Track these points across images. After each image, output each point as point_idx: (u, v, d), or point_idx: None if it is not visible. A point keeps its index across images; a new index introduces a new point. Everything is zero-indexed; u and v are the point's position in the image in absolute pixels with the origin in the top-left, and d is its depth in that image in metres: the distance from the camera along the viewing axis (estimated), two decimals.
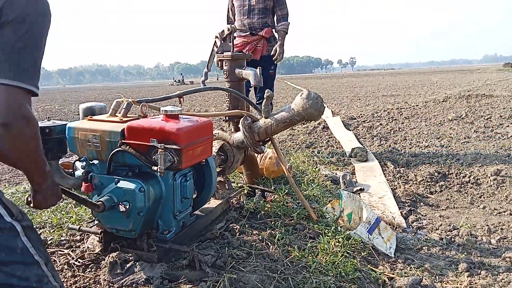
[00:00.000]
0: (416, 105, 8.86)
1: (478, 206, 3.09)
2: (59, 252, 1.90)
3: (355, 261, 1.97)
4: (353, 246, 2.12)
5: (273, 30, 3.96)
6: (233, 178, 3.08)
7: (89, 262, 1.76)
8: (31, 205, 1.31)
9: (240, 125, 2.33)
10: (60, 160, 1.80)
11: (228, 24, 3.75)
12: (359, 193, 3.20)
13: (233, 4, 4.06)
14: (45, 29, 1.12)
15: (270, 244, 2.01)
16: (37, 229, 2.13)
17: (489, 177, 3.57)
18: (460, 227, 2.64)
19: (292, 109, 2.20)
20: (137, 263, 1.68)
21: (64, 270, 1.75)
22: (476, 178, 3.60)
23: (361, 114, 7.78)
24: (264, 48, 3.91)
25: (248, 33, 3.94)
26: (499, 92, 11.02)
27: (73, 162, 1.70)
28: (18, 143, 1.07)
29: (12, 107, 1.03)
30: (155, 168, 1.54)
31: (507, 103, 8.59)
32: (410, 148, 4.83)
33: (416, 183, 3.58)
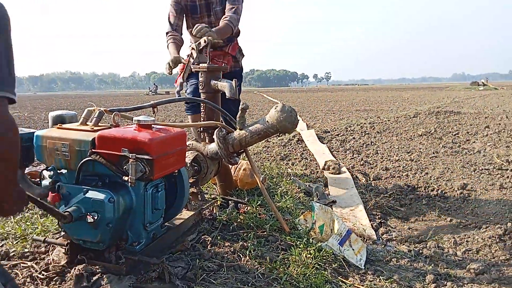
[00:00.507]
0: (388, 120, 9.10)
1: (445, 219, 3.18)
2: (21, 264, 1.83)
3: (326, 272, 1.99)
4: (325, 257, 2.14)
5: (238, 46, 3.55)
6: (206, 189, 3.06)
7: (54, 275, 1.70)
8: None
9: (214, 136, 2.33)
10: (27, 169, 1.75)
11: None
12: (331, 205, 3.24)
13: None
14: (10, 33, 1.10)
15: (242, 256, 2.00)
16: None
17: (456, 191, 3.69)
18: (428, 239, 2.71)
19: (267, 121, 2.22)
20: (104, 276, 1.64)
21: (26, 283, 1.68)
22: (443, 192, 3.72)
23: (335, 128, 7.92)
24: (229, 64, 3.42)
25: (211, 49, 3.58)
26: (466, 109, 11.49)
27: (40, 171, 1.66)
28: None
29: None
30: (126, 178, 1.52)
31: (473, 120, 8.96)
32: (381, 162, 4.94)
33: (386, 196, 3.66)
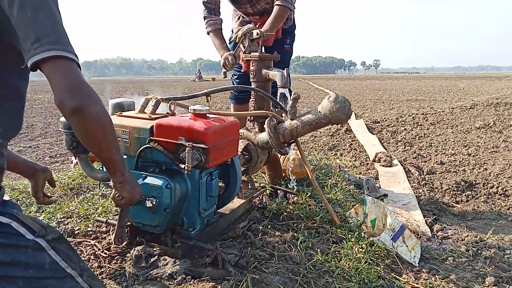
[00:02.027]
0: (442, 111, 8.66)
1: (506, 218, 2.99)
2: (85, 242, 1.94)
3: (379, 268, 1.94)
4: (377, 253, 2.08)
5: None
6: (255, 178, 3.08)
7: (115, 254, 1.79)
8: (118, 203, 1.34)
9: (265, 126, 2.32)
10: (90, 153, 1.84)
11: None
12: (382, 199, 3.14)
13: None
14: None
15: (292, 247, 1.99)
16: (65, 219, 2.19)
17: None
18: (487, 239, 2.57)
19: (319, 112, 2.17)
20: (161, 258, 1.70)
21: (90, 261, 1.78)
22: (504, 190, 3.50)
23: (385, 118, 7.67)
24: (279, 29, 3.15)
25: (258, 17, 3.24)
26: None
27: None
28: (93, 128, 1.01)
29: (71, 85, 0.94)
30: (182, 166, 1.55)
31: None
32: (435, 155, 4.73)
33: (441, 192, 3.50)
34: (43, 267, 1.04)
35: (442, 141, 5.59)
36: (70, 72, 0.96)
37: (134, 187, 1.33)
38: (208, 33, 3.08)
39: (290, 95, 2.30)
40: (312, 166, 2.56)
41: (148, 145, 1.63)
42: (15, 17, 0.93)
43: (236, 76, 3.26)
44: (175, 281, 1.57)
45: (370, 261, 1.97)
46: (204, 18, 3.08)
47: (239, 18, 3.30)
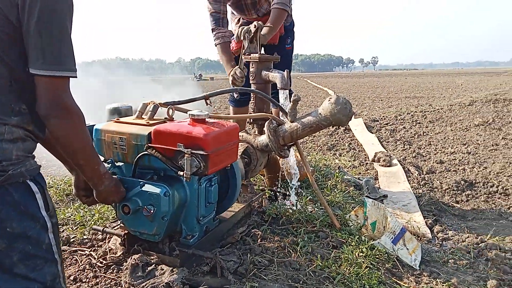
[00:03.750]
0: (441, 109, 8.65)
1: (507, 218, 2.97)
2: (80, 251, 1.91)
3: (379, 273, 1.92)
4: (377, 256, 2.06)
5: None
6: (254, 181, 3.05)
7: (111, 263, 1.76)
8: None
9: (265, 128, 2.30)
10: None
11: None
12: (382, 200, 3.12)
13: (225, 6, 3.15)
14: (67, 8, 1.09)
15: (292, 252, 1.97)
16: (60, 227, 2.16)
17: None
18: (488, 240, 2.55)
19: (320, 113, 2.15)
20: (158, 267, 1.67)
21: (86, 270, 1.76)
22: (505, 188, 3.48)
23: (383, 116, 7.65)
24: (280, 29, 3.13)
25: (255, 16, 3.20)
26: None
27: None
28: (58, 137, 1.11)
29: (51, 98, 1.06)
30: (181, 173, 1.53)
31: None
32: (435, 154, 4.71)
33: (441, 191, 3.48)
34: (40, 247, 1.10)
35: (441, 139, 5.58)
36: (56, 89, 1.07)
37: (109, 196, 1.44)
38: (215, 45, 2.98)
39: (291, 96, 2.27)
40: (311, 168, 2.54)
41: (146, 152, 1.60)
42: (29, 26, 1.02)
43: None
44: None
45: (371, 266, 1.95)
46: (212, 30, 2.97)
47: (239, 20, 3.28)
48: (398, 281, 1.93)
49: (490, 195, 3.42)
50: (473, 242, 2.53)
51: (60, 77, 1.07)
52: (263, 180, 3.01)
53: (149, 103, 1.80)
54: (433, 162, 4.32)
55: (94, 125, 1.69)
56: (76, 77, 1.10)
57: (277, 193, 2.68)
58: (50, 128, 1.10)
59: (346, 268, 1.88)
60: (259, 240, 2.03)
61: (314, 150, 4.79)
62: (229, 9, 3.15)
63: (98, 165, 1.27)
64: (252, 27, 2.54)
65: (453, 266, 2.22)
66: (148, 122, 1.69)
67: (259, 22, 2.55)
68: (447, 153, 4.73)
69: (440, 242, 2.56)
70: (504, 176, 3.78)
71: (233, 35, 2.96)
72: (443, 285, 1.98)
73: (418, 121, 7.08)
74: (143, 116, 1.78)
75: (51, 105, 1.06)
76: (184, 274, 1.64)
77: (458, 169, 4.06)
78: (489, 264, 2.25)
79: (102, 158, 1.70)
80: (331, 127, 5.95)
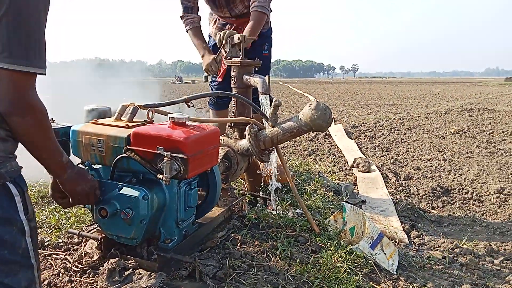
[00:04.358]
0: (418, 116, 8.85)
1: (481, 224, 3.06)
2: (55, 255, 1.86)
3: (357, 277, 1.93)
4: (356, 261, 2.08)
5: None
6: (234, 185, 3.04)
7: (87, 268, 1.72)
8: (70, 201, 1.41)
9: (246, 133, 2.29)
10: None
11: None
12: (361, 205, 3.16)
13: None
14: (42, 3, 1.05)
15: (271, 256, 1.97)
16: None
17: (492, 194, 3.55)
18: (463, 245, 2.61)
19: (300, 119, 2.16)
20: (136, 272, 1.64)
21: (60, 275, 1.71)
22: (479, 195, 3.58)
23: (363, 123, 7.77)
24: None
25: (234, 19, 3.18)
26: (501, 107, 11.04)
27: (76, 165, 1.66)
28: (21, 133, 1.07)
29: (14, 94, 1.01)
30: (160, 176, 1.51)
31: (509, 118, 8.59)
32: (412, 161, 4.81)
33: (418, 197, 3.55)
34: (16, 251, 1.07)
35: (419, 146, 5.70)
36: (20, 85, 1.02)
37: (76, 184, 1.37)
38: (186, 31, 3.04)
39: (271, 102, 2.28)
40: (291, 173, 2.55)
41: (125, 155, 1.57)
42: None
43: (215, 83, 3.22)
44: None
45: (349, 270, 1.96)
46: (181, 17, 3.04)
47: (215, 22, 3.27)
48: (375, 286, 1.96)
49: (465, 202, 3.51)
50: (448, 248, 2.59)
51: (26, 73, 1.01)
52: (243, 184, 3.00)
53: (129, 105, 1.77)
54: (410, 169, 4.41)
55: (71, 126, 1.65)
56: (44, 74, 1.05)
57: (258, 198, 2.67)
58: (11, 125, 1.04)
59: (325, 273, 1.89)
60: (238, 245, 2.02)
61: (295, 155, 4.82)
62: (205, 5, 3.14)
63: (61, 157, 1.23)
64: (235, 38, 2.54)
65: (429, 271, 2.27)
66: (127, 124, 1.66)
67: (242, 34, 2.55)
68: (424, 160, 4.84)
69: (417, 247, 2.61)
70: (478, 183, 3.89)
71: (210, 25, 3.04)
72: None
73: (396, 128, 7.21)
74: (122, 118, 1.75)
75: (13, 102, 1.01)
76: (163, 279, 1.61)
77: (435, 175, 4.16)
78: (464, 269, 2.30)
79: (79, 160, 1.66)
80: (311, 132, 5.99)
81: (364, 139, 6.19)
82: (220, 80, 2.93)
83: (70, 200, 1.42)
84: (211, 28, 3.32)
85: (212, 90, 3.26)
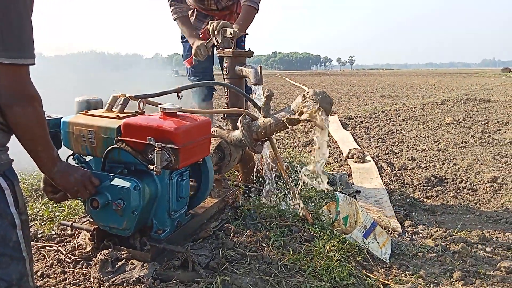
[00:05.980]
0: (414, 107, 8.86)
1: (474, 213, 3.08)
2: (48, 247, 1.86)
3: (350, 266, 1.95)
4: (348, 250, 2.10)
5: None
6: (228, 176, 3.05)
7: (80, 259, 1.72)
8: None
9: (238, 124, 2.29)
10: None
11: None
12: (355, 195, 3.18)
13: None
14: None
15: (264, 246, 1.98)
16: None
17: (486, 183, 3.57)
18: (456, 234, 2.63)
19: (292, 110, 2.17)
20: (128, 262, 1.65)
21: (53, 266, 1.71)
22: (472, 184, 3.60)
23: (359, 114, 7.77)
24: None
25: (218, 11, 3.18)
26: (496, 97, 11.06)
27: (66, 157, 1.66)
28: (21, 124, 1.08)
29: (13, 86, 1.04)
30: (151, 167, 1.51)
31: (504, 108, 8.62)
32: (407, 151, 4.82)
33: (412, 187, 3.57)
34: (7, 244, 1.08)
35: (414, 136, 5.71)
36: (19, 77, 1.06)
37: (67, 175, 1.36)
38: (174, 20, 3.05)
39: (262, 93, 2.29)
40: (286, 164, 2.56)
41: (116, 146, 1.57)
42: None
43: (193, 74, 3.23)
44: (143, 285, 1.53)
45: (342, 259, 1.98)
46: (170, 5, 3.04)
47: (194, 13, 3.25)
48: (368, 274, 1.97)
49: (458, 191, 3.53)
50: (441, 236, 2.61)
51: (22, 65, 1.05)
52: (237, 175, 3.01)
53: (120, 96, 1.77)
54: (405, 159, 4.42)
55: (61, 117, 1.65)
56: (35, 64, 1.08)
57: (251, 189, 2.68)
58: (11, 116, 1.06)
59: (318, 261, 1.90)
60: (231, 235, 2.03)
61: (290, 146, 4.82)
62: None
63: (52, 150, 1.24)
64: (228, 32, 2.53)
65: (422, 259, 2.29)
66: (118, 115, 1.66)
67: (234, 30, 2.53)
68: (418, 150, 4.85)
69: (410, 236, 2.63)
70: (472, 172, 3.91)
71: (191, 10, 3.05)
72: (411, 277, 2.03)
73: (392, 119, 7.22)
74: (113, 109, 1.74)
75: (13, 94, 1.04)
76: (155, 269, 1.62)
77: (429, 165, 4.18)
78: (456, 257, 2.32)
79: (69, 152, 1.66)
80: (306, 123, 5.94)
81: (360, 130, 6.20)
82: (187, 65, 3.01)
83: (68, 195, 1.42)
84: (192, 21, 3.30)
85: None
